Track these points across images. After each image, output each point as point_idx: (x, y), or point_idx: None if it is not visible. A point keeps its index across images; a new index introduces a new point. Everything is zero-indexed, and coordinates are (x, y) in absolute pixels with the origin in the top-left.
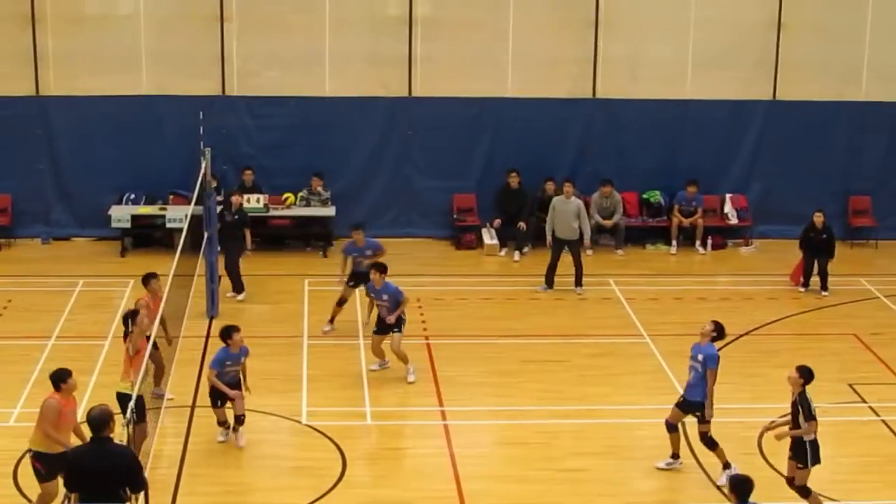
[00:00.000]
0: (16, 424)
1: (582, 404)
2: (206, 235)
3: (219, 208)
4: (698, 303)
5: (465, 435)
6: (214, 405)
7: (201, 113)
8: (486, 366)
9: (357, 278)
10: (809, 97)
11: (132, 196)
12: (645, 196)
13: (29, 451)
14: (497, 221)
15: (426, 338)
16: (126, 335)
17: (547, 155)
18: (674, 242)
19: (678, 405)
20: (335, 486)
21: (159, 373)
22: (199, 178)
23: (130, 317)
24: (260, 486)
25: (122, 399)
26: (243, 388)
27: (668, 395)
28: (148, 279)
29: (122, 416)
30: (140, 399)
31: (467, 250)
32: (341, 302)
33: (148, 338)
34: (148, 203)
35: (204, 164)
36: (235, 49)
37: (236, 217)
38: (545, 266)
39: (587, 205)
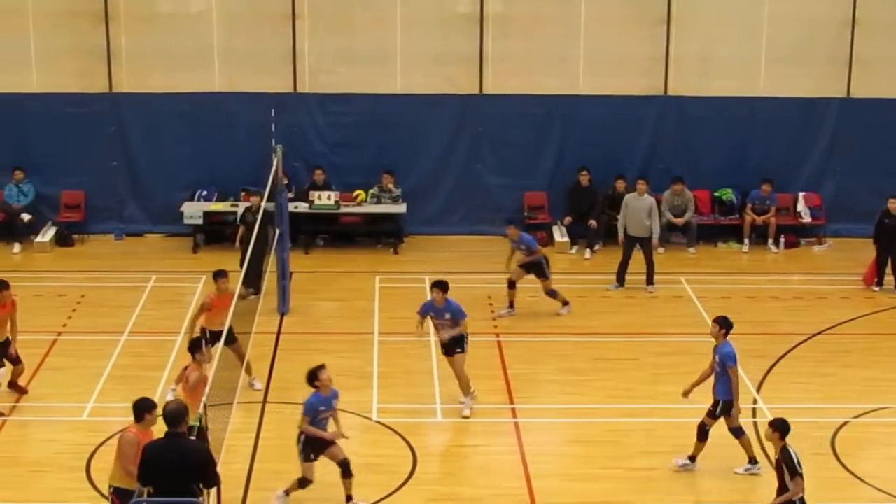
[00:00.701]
0: (89, 419)
1: (652, 403)
2: (277, 232)
3: (294, 205)
4: (771, 302)
5: (535, 433)
6: (307, 458)
7: (273, 110)
8: (557, 364)
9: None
10: (884, 94)
11: (204, 193)
12: (717, 194)
13: (110, 487)
14: (568, 219)
15: (497, 335)
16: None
17: (617, 152)
18: (746, 241)
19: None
20: (405, 482)
21: (247, 364)
22: (271, 175)
23: (195, 345)
24: (330, 481)
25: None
26: (339, 434)
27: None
28: (216, 277)
29: None
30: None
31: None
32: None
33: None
34: (220, 200)
35: (275, 161)
36: (307, 46)
37: (252, 216)
38: (616, 264)
39: (659, 203)
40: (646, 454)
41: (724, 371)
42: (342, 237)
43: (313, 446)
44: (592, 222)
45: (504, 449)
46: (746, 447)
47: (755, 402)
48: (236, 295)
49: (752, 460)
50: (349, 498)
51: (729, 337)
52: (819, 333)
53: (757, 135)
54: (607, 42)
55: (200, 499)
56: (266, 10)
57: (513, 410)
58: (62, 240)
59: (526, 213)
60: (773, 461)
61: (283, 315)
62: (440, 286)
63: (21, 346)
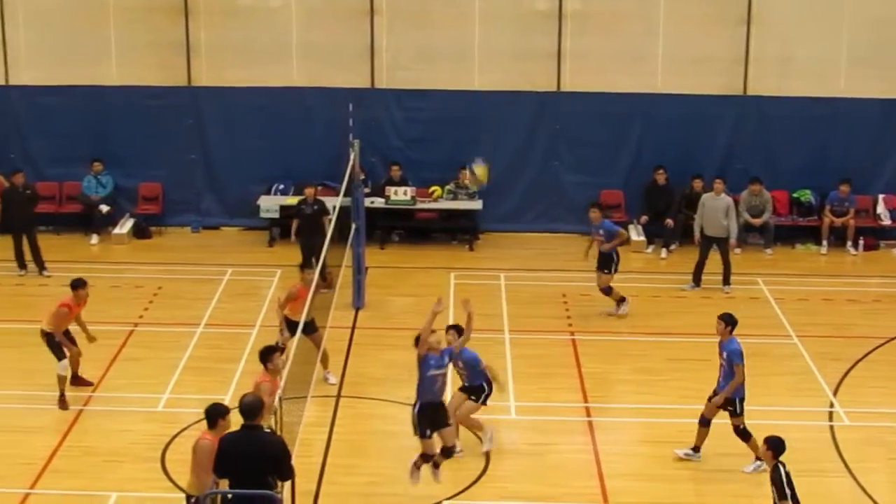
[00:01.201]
0: (164, 410)
1: (727, 404)
2: (353, 227)
3: (370, 200)
4: (848, 304)
5: (608, 432)
6: (423, 434)
7: (350, 105)
8: (631, 363)
9: (601, 261)
10: None
11: (281, 186)
12: (795, 195)
13: (190, 498)
14: (644, 218)
15: (571, 333)
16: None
17: (695, 152)
18: (824, 242)
19: (710, 399)
20: (477, 479)
21: (323, 356)
22: (348, 170)
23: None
24: (402, 477)
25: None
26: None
27: (815, 397)
28: (303, 268)
29: None
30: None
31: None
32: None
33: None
34: (296, 194)
35: (353, 156)
36: (385, 42)
37: (315, 208)
38: (692, 264)
39: (736, 203)
40: (718, 456)
41: (731, 368)
42: (418, 233)
43: (429, 421)
44: (669, 221)
45: (577, 448)
46: (700, 437)
47: (831, 405)
48: (312, 286)
49: (696, 448)
50: (436, 465)
51: (804, 338)
52: None
53: (837, 136)
54: (686, 40)
55: (276, 491)
56: (344, 5)
57: (586, 409)
58: (140, 232)
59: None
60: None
61: (357, 310)
62: (456, 330)
63: (98, 337)
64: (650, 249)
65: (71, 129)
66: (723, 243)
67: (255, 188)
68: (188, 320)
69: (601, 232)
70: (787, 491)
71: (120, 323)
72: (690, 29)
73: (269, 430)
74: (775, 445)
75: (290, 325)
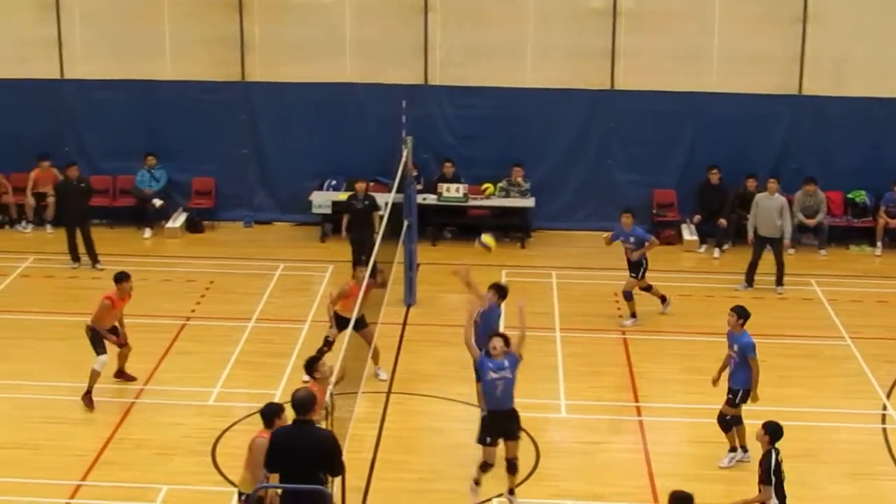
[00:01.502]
0: (215, 404)
1: (778, 405)
2: (405, 223)
3: (423, 197)
4: None
5: (659, 431)
6: (483, 441)
7: (403, 102)
8: (683, 363)
9: (630, 266)
10: None
11: (333, 182)
12: (850, 196)
13: (241, 495)
14: (697, 217)
15: (622, 332)
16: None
17: (749, 151)
18: (879, 244)
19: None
20: (527, 477)
21: (374, 352)
22: (400, 167)
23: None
24: (452, 474)
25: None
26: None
27: (868, 400)
28: (356, 265)
29: None
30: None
31: (666, 245)
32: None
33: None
34: (348, 190)
35: (405, 153)
36: (438, 39)
37: (366, 203)
38: (745, 264)
39: (790, 203)
40: None
41: (743, 361)
42: (470, 230)
43: (490, 430)
44: (722, 221)
45: (628, 447)
46: (741, 436)
47: (884, 408)
48: (364, 284)
49: (733, 448)
50: (511, 491)
51: (858, 340)
52: None
53: (892, 136)
54: (741, 39)
55: (326, 486)
56: (399, 1)
57: (638, 409)
58: (192, 226)
59: (655, 211)
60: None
61: (409, 306)
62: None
63: (150, 331)
64: (703, 249)
65: (125, 123)
66: (776, 243)
67: (307, 184)
68: (240, 315)
69: (632, 239)
70: (773, 478)
71: (172, 317)
72: (745, 27)
73: (320, 426)
74: (773, 431)
75: (340, 322)
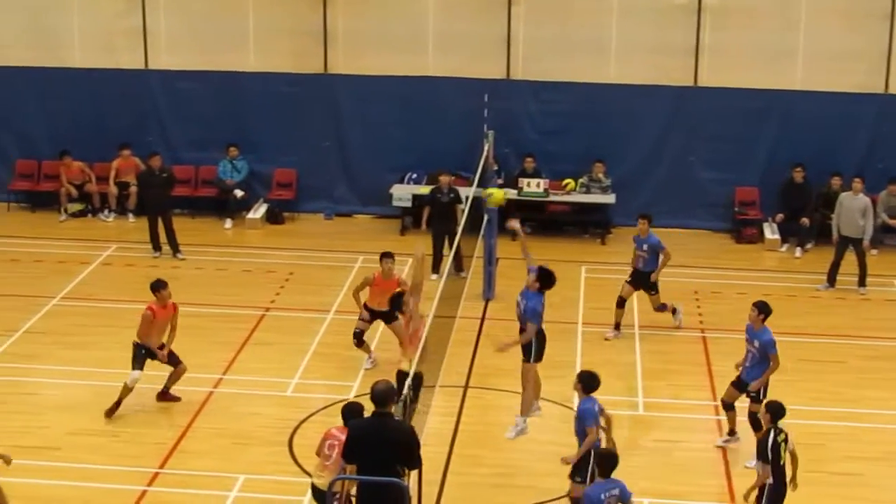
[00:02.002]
0: (292, 395)
1: (858, 407)
2: (485, 218)
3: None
4: None
5: (741, 432)
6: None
7: (486, 96)
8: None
9: (633, 276)
10: None
11: (414, 175)
12: None
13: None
14: (779, 216)
15: (702, 331)
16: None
17: (833, 150)
18: None
19: (734, 384)
20: None
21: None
22: (481, 161)
23: (396, 300)
24: (528, 470)
25: (401, 378)
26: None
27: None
28: (383, 257)
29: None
30: (418, 376)
31: (747, 244)
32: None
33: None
34: (429, 183)
35: (486, 147)
36: (522, 33)
37: (451, 196)
38: (827, 264)
39: (874, 203)
40: (849, 459)
41: (763, 357)
42: (549, 225)
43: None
44: (805, 220)
45: (705, 446)
46: (731, 420)
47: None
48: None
49: (732, 432)
50: None
51: None
52: None
53: None
54: (827, 36)
55: (403, 478)
56: None
57: (716, 407)
58: (273, 217)
59: (736, 209)
60: None
61: (487, 301)
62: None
63: (229, 321)
64: (784, 248)
65: (208, 114)
66: (859, 244)
67: (388, 177)
68: (318, 307)
69: (645, 247)
70: (770, 455)
71: (251, 307)
72: (831, 24)
73: (399, 419)
74: (774, 410)
75: (372, 314)
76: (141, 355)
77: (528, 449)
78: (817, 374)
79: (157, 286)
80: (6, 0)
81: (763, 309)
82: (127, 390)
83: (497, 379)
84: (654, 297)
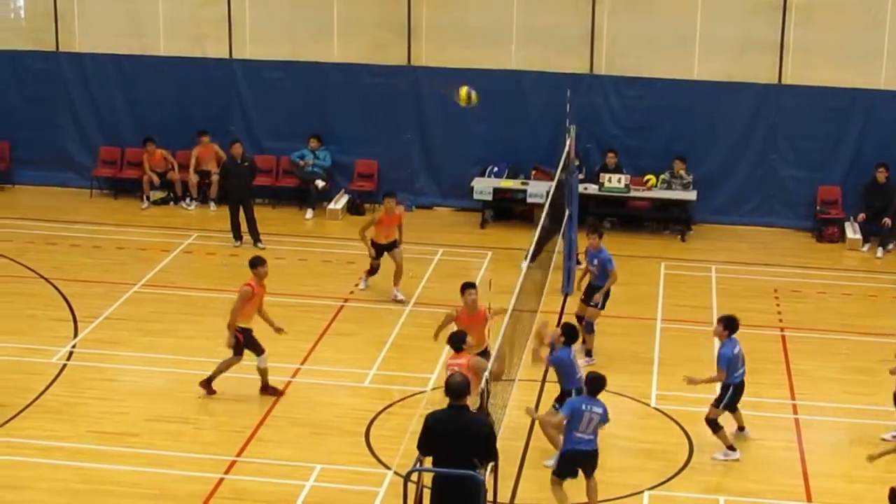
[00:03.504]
0: (370, 386)
1: None
2: (567, 212)
3: (584, 186)
4: None
5: (815, 430)
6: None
7: (568, 90)
8: (842, 362)
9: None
10: None
11: (495, 169)
12: None
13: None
14: (861, 216)
15: (781, 329)
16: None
17: None
18: None
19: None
20: (681, 470)
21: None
22: (563, 155)
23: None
24: (606, 465)
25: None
26: None
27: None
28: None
29: None
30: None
31: (829, 243)
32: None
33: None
34: (510, 177)
35: (568, 142)
36: (605, 28)
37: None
38: None
39: None
40: None
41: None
42: (630, 221)
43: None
44: (887, 220)
45: (783, 444)
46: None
47: None
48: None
49: (739, 433)
50: None
51: None
52: None
53: None
54: None
55: (479, 471)
56: None
57: (794, 406)
58: (354, 208)
59: (819, 208)
60: None
61: (566, 295)
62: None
63: (308, 310)
64: (866, 248)
65: (290, 104)
66: None
67: (469, 170)
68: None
69: (595, 262)
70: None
71: (331, 297)
72: None
73: (475, 412)
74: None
75: (378, 248)
76: (249, 340)
77: (606, 444)
78: None
79: (256, 262)
80: None
81: (728, 325)
82: (263, 371)
83: None
84: (591, 311)
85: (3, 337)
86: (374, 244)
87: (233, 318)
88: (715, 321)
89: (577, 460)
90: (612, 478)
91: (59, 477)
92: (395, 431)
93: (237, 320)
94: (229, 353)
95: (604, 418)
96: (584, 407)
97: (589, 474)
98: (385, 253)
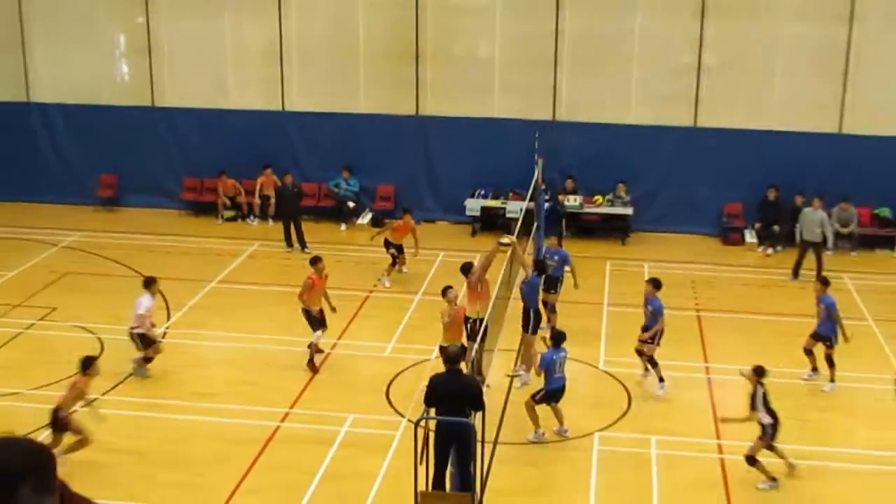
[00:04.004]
0: (390, 356)
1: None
2: (535, 225)
3: (548, 204)
4: None
5: (723, 387)
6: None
7: (537, 133)
8: (745, 336)
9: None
10: None
11: (482, 192)
12: (875, 211)
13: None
14: (758, 225)
15: (697, 311)
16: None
17: (799, 175)
18: None
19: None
20: (622, 417)
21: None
22: (533, 182)
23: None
24: (566, 414)
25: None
26: None
27: (887, 366)
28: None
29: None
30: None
31: (732, 246)
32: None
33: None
34: (494, 198)
35: (537, 172)
36: (564, 86)
37: (561, 209)
38: (793, 261)
39: (829, 216)
40: (817, 406)
41: (828, 316)
42: (584, 230)
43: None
44: (776, 228)
45: (699, 397)
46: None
47: None
48: (407, 221)
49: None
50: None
51: (882, 321)
52: None
53: None
54: (793, 87)
55: (470, 419)
56: (534, 56)
57: (707, 368)
58: (376, 222)
59: (725, 219)
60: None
61: None
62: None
63: (344, 300)
64: (761, 249)
65: (328, 144)
66: (817, 246)
67: (463, 192)
68: (410, 290)
69: (556, 258)
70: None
71: (360, 290)
72: (796, 73)
73: (468, 374)
74: (760, 371)
75: (394, 246)
76: (311, 318)
77: (564, 399)
78: (789, 346)
79: (315, 260)
80: (190, 58)
81: (824, 282)
82: (315, 346)
83: (541, 344)
84: (552, 296)
85: (117, 321)
86: (389, 242)
87: (302, 301)
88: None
89: (554, 394)
90: (570, 423)
91: (162, 426)
92: (409, 390)
93: (305, 304)
94: (284, 331)
95: (566, 355)
96: (552, 357)
97: (557, 401)
98: (392, 248)
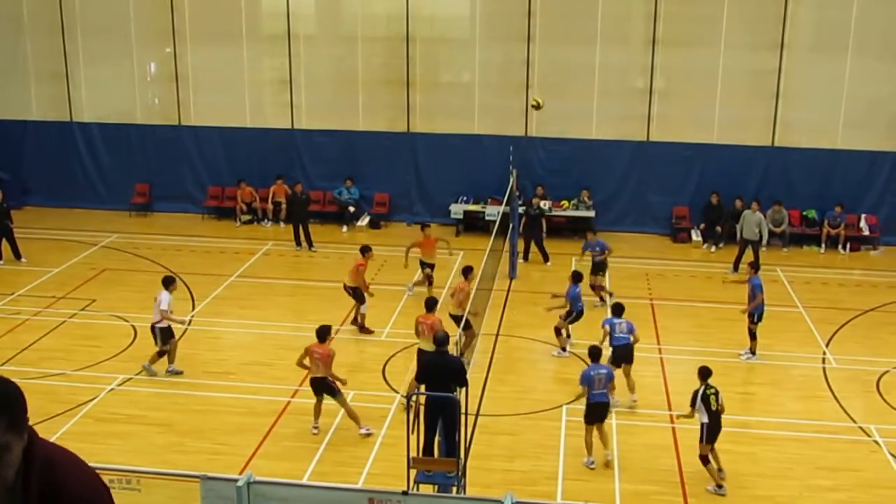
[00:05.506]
0: (385, 339)
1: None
2: (510, 226)
3: (522, 208)
4: (839, 287)
5: (674, 364)
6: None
7: (511, 147)
8: (691, 321)
9: (593, 266)
10: None
11: (465, 198)
12: (804, 212)
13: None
14: (702, 226)
15: (651, 300)
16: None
17: (738, 182)
18: (822, 245)
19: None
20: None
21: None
22: (508, 189)
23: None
24: (538, 388)
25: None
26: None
27: (813, 346)
28: (423, 227)
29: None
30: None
31: (681, 244)
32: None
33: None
34: (474, 203)
35: (512, 180)
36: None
37: (537, 212)
38: (733, 257)
39: (765, 217)
40: (750, 381)
41: (754, 295)
42: (553, 231)
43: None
44: (718, 228)
45: (653, 373)
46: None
47: (824, 353)
48: (430, 237)
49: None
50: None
51: (811, 308)
52: (872, 310)
53: (836, 174)
54: (730, 109)
55: (455, 394)
56: (508, 81)
57: (659, 349)
58: (373, 225)
59: (674, 221)
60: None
61: (511, 279)
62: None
63: (346, 292)
64: (705, 246)
65: (332, 158)
66: (755, 244)
67: (448, 198)
68: (403, 282)
69: (597, 248)
70: (694, 405)
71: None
72: (730, 99)
73: (454, 355)
74: (701, 373)
75: (423, 265)
76: (358, 294)
77: (537, 376)
78: (728, 330)
79: (366, 250)
80: (212, 83)
81: (753, 266)
82: (363, 316)
83: (518, 329)
84: (601, 277)
85: (149, 311)
86: (423, 263)
87: (361, 283)
88: (608, 294)
89: (595, 409)
90: (542, 396)
91: (184, 402)
92: (402, 368)
93: (358, 284)
94: (295, 318)
95: (609, 376)
96: (591, 373)
97: (601, 421)
98: (427, 269)
